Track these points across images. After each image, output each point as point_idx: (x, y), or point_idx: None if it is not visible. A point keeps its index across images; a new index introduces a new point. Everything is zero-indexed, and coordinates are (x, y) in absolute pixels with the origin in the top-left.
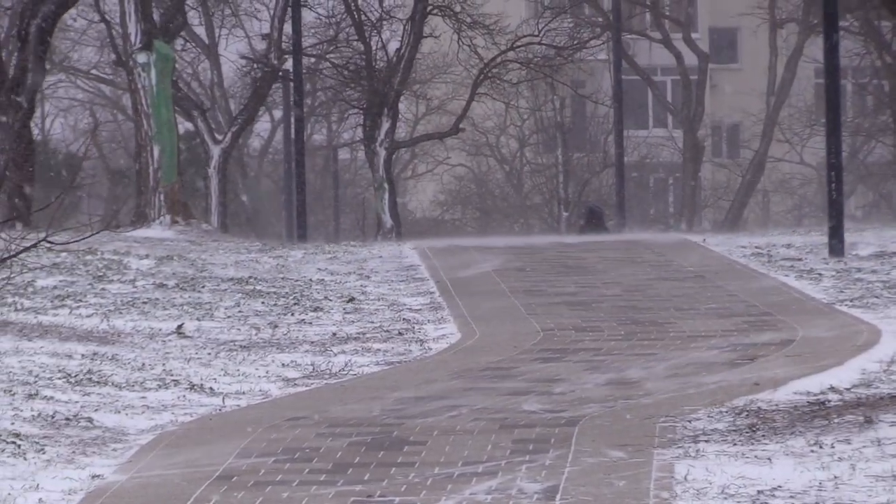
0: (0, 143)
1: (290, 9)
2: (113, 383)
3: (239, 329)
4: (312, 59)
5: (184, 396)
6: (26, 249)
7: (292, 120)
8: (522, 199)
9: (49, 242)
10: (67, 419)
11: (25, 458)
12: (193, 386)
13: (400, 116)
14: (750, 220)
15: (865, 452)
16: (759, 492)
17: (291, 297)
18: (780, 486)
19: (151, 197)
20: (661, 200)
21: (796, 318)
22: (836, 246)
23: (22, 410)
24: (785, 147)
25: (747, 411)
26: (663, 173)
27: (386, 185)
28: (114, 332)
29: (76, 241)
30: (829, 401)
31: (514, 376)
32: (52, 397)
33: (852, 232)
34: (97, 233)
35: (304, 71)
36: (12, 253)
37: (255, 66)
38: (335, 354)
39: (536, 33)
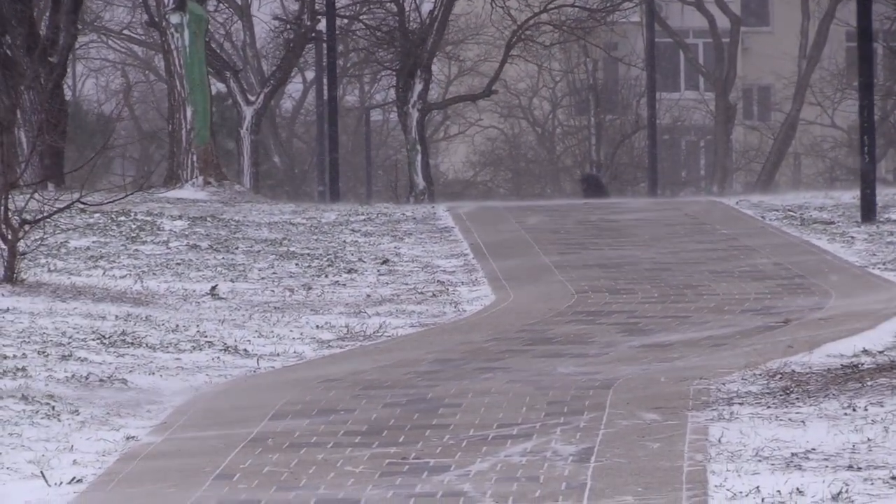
0: (33, 103)
1: None
2: (147, 344)
3: (273, 290)
4: (345, 20)
5: (218, 358)
6: (59, 210)
7: (325, 81)
8: (554, 161)
9: (82, 203)
10: (101, 380)
11: (59, 420)
12: (227, 347)
13: (433, 78)
14: (781, 183)
15: None
16: (792, 454)
17: (325, 259)
18: (813, 449)
19: (184, 158)
20: (693, 163)
21: (829, 282)
22: (869, 209)
23: (55, 372)
24: (816, 110)
25: (781, 374)
26: (695, 136)
27: (418, 147)
28: (147, 294)
29: (109, 201)
30: (863, 364)
31: (548, 339)
32: (85, 358)
33: (883, 195)
34: (130, 194)
35: (337, 32)
36: (46, 214)
37: (287, 26)
38: (369, 316)
39: None
